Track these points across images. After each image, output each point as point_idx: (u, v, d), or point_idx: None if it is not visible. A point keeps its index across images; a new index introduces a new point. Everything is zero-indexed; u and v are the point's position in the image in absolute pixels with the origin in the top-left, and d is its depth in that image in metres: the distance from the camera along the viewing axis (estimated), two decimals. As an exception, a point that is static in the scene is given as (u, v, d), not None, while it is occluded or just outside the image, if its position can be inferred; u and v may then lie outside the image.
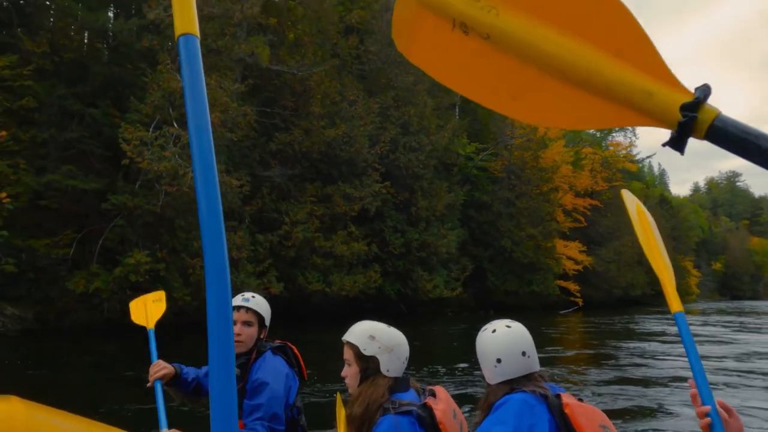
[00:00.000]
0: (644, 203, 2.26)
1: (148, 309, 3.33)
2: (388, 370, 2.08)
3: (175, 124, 16.82)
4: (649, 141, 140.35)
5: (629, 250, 46.19)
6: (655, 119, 0.65)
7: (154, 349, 2.97)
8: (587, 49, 0.68)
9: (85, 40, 18.41)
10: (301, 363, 2.88)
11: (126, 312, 3.72)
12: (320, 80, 24.87)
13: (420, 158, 28.99)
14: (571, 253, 41.84)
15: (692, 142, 0.69)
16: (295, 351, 2.88)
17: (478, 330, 2.18)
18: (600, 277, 45.81)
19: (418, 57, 0.84)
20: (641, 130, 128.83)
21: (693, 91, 0.65)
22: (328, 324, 19.95)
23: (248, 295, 2.80)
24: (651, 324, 26.81)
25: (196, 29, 0.75)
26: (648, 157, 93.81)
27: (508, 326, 2.06)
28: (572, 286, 41.36)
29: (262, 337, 2.79)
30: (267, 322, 2.82)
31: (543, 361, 2.16)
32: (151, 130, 16.80)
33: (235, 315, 2.71)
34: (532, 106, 0.75)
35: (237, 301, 2.75)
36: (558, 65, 0.68)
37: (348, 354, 2.12)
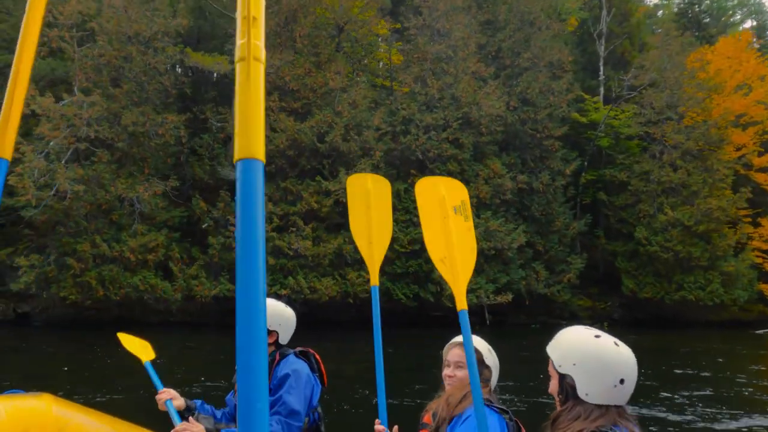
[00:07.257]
0: None
1: (139, 345, 3.34)
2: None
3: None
4: None
5: None
6: None
7: (156, 379, 2.95)
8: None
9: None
10: (323, 369, 2.88)
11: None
12: (293, 73, 23.68)
13: (440, 136, 24.16)
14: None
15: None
16: (317, 357, 2.88)
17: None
18: None
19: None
20: None
21: None
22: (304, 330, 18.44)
23: None
24: None
25: (262, 154, 0.74)
26: None
27: (617, 344, 1.67)
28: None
29: (276, 341, 2.78)
30: (278, 326, 2.77)
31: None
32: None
33: None
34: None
35: None
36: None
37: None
